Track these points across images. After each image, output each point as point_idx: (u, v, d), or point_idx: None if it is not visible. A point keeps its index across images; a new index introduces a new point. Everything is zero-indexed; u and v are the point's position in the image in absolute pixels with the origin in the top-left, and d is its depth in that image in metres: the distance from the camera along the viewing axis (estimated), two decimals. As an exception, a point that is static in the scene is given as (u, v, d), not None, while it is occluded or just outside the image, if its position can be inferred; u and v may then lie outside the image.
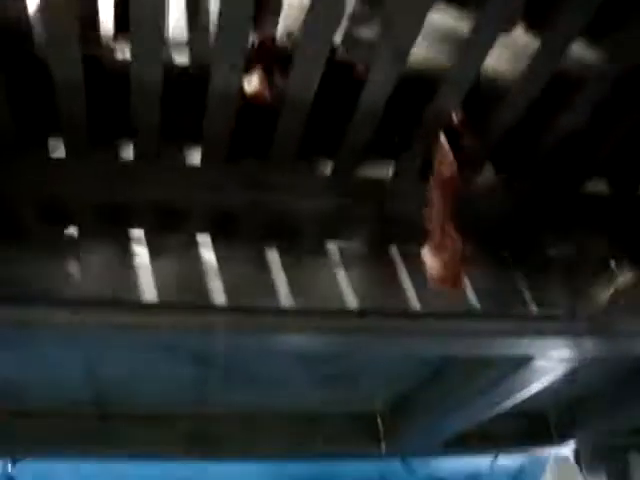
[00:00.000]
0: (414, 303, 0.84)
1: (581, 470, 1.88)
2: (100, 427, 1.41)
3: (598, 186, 0.90)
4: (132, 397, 1.36)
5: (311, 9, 0.61)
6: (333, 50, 0.82)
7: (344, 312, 0.83)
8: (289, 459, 1.78)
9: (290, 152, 0.77)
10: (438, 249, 0.79)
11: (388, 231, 0.89)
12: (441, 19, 0.70)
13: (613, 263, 0.93)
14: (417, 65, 0.73)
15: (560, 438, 1.61)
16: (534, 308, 0.88)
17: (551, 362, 0.96)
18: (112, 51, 0.77)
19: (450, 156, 0.77)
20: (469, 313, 0.86)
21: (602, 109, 0.76)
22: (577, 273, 0.93)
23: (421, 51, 0.72)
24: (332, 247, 0.87)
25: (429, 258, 0.80)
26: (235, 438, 1.45)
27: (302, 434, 1.49)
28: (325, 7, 0.61)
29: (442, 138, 0.77)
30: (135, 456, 1.54)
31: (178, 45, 0.83)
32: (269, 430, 1.47)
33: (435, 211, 0.78)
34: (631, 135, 0.81)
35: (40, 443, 1.40)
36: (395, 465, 2.37)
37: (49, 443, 1.40)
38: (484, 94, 0.75)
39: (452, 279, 0.80)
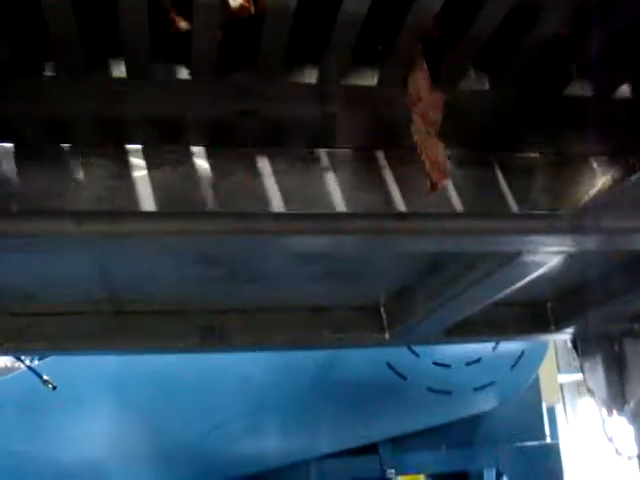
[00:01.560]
0: (400, 205, 0.88)
1: (579, 356, 1.94)
2: (116, 322, 1.48)
3: (579, 89, 0.91)
4: (146, 294, 1.41)
5: None
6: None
7: (334, 214, 0.86)
8: (295, 349, 1.85)
9: (276, 62, 0.79)
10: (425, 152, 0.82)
11: (375, 137, 0.91)
12: None
13: (595, 163, 0.96)
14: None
15: (558, 326, 1.67)
16: (517, 208, 0.91)
17: (539, 256, 1.00)
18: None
19: (425, 72, 0.79)
20: (453, 213, 0.89)
21: (582, 13, 0.77)
22: (560, 174, 0.95)
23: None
24: (321, 153, 0.90)
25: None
26: (243, 331, 1.52)
27: (307, 325, 1.55)
28: None
29: (418, 54, 0.79)
30: (151, 348, 1.63)
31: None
32: (276, 323, 1.54)
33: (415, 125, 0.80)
34: (611, 39, 0.82)
35: (60, 340, 1.47)
36: (400, 352, 2.46)
37: (69, 339, 1.47)
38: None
39: (437, 180, 0.82)
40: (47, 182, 0.83)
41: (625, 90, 0.93)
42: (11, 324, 1.42)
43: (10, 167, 0.83)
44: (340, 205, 0.87)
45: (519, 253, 0.98)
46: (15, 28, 0.74)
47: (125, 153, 0.86)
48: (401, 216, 0.89)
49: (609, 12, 0.78)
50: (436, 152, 0.79)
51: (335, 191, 0.87)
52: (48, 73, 0.80)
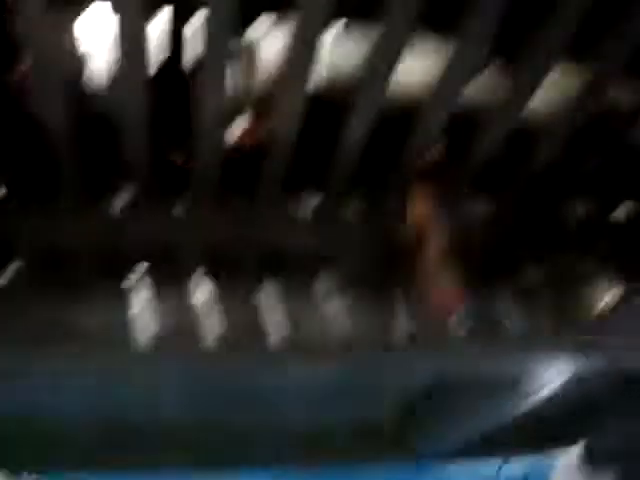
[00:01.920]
0: (402, 334, 0.86)
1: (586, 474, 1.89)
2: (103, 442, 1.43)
3: (580, 208, 0.91)
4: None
5: (289, 54, 0.64)
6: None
7: (333, 345, 0.85)
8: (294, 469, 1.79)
9: (277, 189, 0.80)
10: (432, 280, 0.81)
11: (374, 266, 0.91)
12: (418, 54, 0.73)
13: (599, 281, 0.95)
14: (396, 100, 0.75)
15: (566, 443, 1.63)
16: (520, 330, 0.90)
17: (542, 379, 0.98)
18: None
19: (426, 198, 0.79)
20: (456, 336, 0.88)
21: (578, 139, 0.78)
22: (563, 294, 0.95)
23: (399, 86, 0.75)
24: (321, 280, 0.89)
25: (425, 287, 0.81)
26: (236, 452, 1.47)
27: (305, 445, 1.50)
28: (301, 51, 0.63)
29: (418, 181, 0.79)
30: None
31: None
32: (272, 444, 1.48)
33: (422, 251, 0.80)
34: (609, 159, 0.83)
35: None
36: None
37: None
38: (463, 125, 0.77)
39: (448, 306, 0.81)
40: (45, 312, 0.81)
41: (625, 210, 0.93)
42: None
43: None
44: (339, 335, 0.85)
45: (523, 374, 0.97)
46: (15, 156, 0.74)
47: (124, 284, 0.85)
48: (404, 344, 0.87)
49: (605, 136, 0.80)
50: (445, 280, 0.79)
51: (334, 321, 0.86)
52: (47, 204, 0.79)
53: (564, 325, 0.92)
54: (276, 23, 0.75)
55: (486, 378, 1.05)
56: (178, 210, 0.81)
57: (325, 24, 0.62)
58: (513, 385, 1.01)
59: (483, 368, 0.95)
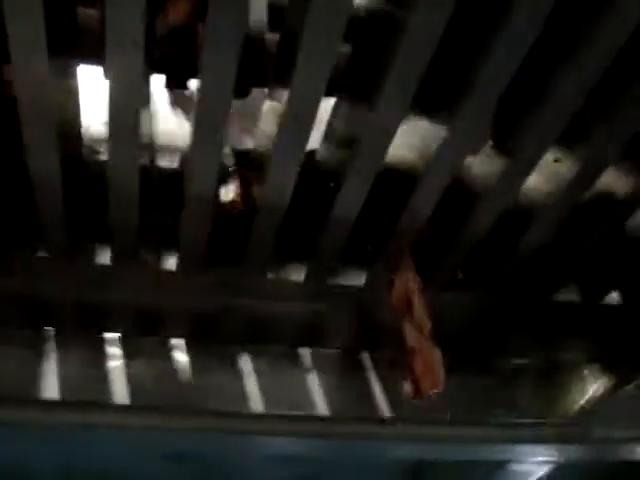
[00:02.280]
0: (385, 410, 0.85)
1: None
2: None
3: (568, 294, 0.90)
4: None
5: (283, 122, 0.63)
6: (310, 154, 0.84)
7: (313, 417, 0.83)
8: None
9: (264, 257, 0.78)
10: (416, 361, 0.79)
11: (360, 338, 0.90)
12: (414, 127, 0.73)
13: (586, 371, 0.94)
14: (391, 170, 0.75)
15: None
16: (505, 416, 0.88)
17: (527, 466, 0.96)
18: (94, 152, 0.80)
19: (413, 277, 0.78)
20: (438, 420, 0.86)
21: (568, 224, 0.78)
22: (549, 381, 0.94)
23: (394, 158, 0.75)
24: (304, 352, 0.88)
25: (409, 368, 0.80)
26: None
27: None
28: (296, 119, 0.62)
29: (407, 258, 0.78)
30: None
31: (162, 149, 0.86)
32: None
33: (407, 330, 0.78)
34: (599, 246, 0.82)
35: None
36: None
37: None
38: (455, 204, 0.77)
39: (429, 390, 0.79)
40: (17, 368, 0.80)
41: (615, 297, 0.92)
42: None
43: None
44: (322, 407, 0.84)
45: (506, 462, 0.94)
46: (6, 204, 0.73)
47: (102, 341, 0.84)
48: (384, 421, 0.85)
49: (597, 219, 0.79)
50: (431, 359, 0.77)
51: (318, 392, 0.85)
52: (33, 253, 0.78)
53: (549, 414, 0.90)
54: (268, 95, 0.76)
55: (468, 466, 1.03)
56: (163, 270, 0.80)
57: (317, 100, 0.61)
58: (495, 473, 0.99)
59: (465, 455, 0.93)
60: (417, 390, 0.77)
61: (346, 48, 0.71)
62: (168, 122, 0.89)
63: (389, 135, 0.65)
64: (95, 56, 0.65)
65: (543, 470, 0.99)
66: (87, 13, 0.68)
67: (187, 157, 0.67)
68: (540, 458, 0.94)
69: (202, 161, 0.66)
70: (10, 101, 0.64)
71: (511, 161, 0.70)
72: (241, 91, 0.88)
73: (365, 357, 0.90)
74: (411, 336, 0.78)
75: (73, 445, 0.87)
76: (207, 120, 0.62)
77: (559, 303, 0.90)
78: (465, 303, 0.89)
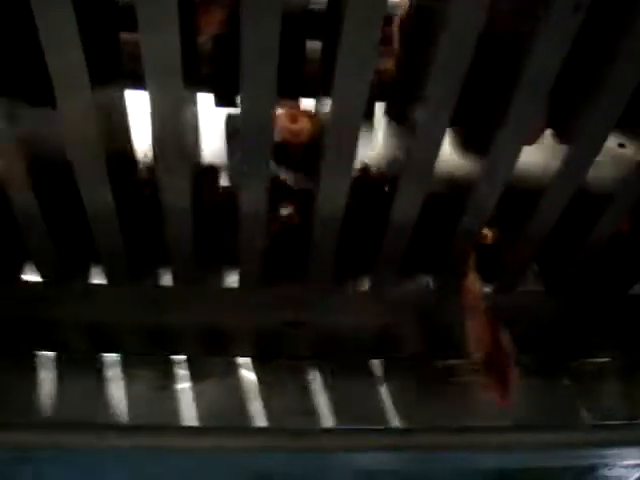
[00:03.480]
0: (462, 418, 0.82)
1: None
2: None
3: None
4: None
5: (331, 128, 0.61)
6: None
7: (393, 430, 0.81)
8: None
9: (325, 270, 0.77)
10: (488, 364, 0.76)
11: (432, 345, 0.87)
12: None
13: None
14: (447, 174, 0.73)
15: None
16: (590, 418, 0.84)
17: (617, 470, 0.92)
18: (147, 176, 0.80)
19: (477, 282, 0.75)
20: (520, 426, 0.83)
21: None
22: (634, 380, 0.89)
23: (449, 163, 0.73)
24: (374, 363, 0.86)
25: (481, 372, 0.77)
26: None
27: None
28: (343, 124, 0.61)
29: (471, 262, 0.76)
30: None
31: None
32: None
33: (474, 336, 0.76)
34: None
35: None
36: None
37: None
38: (518, 198, 0.74)
39: (503, 392, 0.77)
40: (87, 393, 0.81)
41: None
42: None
43: (49, 376, 0.81)
44: (395, 420, 0.81)
45: (594, 467, 0.90)
46: (62, 233, 0.73)
47: (169, 363, 0.84)
48: (463, 430, 0.82)
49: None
50: (504, 362, 0.74)
51: (390, 404, 0.83)
52: (95, 280, 0.78)
53: (637, 415, 0.86)
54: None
55: (554, 472, 0.99)
56: (224, 288, 0.79)
57: (360, 108, 0.59)
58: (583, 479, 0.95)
59: (550, 461, 0.89)
60: (498, 395, 0.75)
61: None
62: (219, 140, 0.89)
63: (442, 134, 0.62)
64: (140, 81, 0.65)
65: (634, 474, 0.94)
66: (130, 38, 0.68)
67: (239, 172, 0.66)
68: (630, 461, 0.90)
69: (252, 178, 0.65)
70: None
71: (573, 149, 0.66)
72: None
73: (439, 365, 0.87)
74: (480, 341, 0.75)
75: (146, 469, 0.88)
76: (252, 134, 0.60)
77: (637, 297, 0.86)
78: (538, 302, 0.85)
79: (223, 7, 0.65)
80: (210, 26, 0.66)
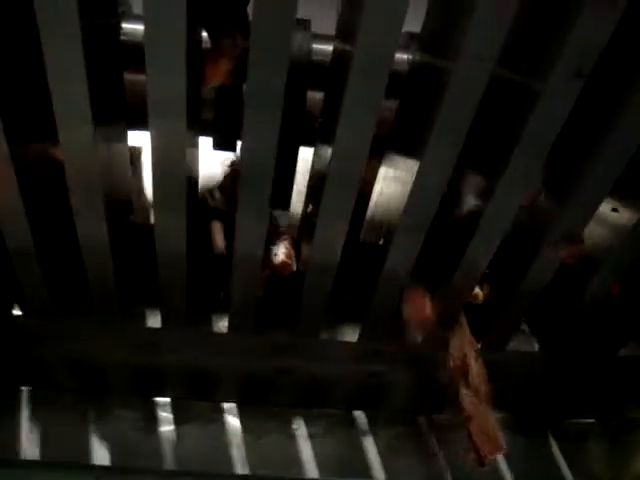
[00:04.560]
0: (445, 475, 0.81)
1: None
2: None
3: (635, 349, 0.86)
4: None
5: (329, 180, 0.62)
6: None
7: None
8: None
9: (316, 318, 0.76)
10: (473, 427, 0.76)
11: (419, 400, 0.87)
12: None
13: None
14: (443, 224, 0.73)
15: None
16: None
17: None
18: (143, 216, 0.80)
19: (469, 339, 0.75)
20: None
21: (633, 275, 0.74)
22: (620, 442, 0.89)
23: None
24: (360, 415, 0.85)
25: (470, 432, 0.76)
26: None
27: None
28: (342, 177, 0.61)
29: (462, 318, 0.76)
30: None
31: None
32: None
33: (463, 394, 0.75)
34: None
35: None
36: None
37: None
38: (510, 258, 0.74)
39: (490, 454, 0.76)
40: (68, 431, 0.80)
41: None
42: None
43: (33, 413, 0.81)
44: (380, 473, 0.81)
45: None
46: (54, 269, 0.73)
47: (154, 405, 0.83)
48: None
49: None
50: (487, 423, 0.73)
51: (374, 457, 0.82)
52: (84, 318, 0.78)
53: (619, 473, 0.85)
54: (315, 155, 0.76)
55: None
56: (214, 332, 0.79)
57: (362, 158, 0.60)
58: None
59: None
60: (478, 456, 0.74)
61: (392, 103, 0.70)
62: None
63: (438, 189, 0.63)
64: (143, 121, 0.66)
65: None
66: (134, 78, 0.69)
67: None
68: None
69: (249, 223, 0.65)
70: (59, 167, 0.66)
71: (567, 211, 0.67)
72: (289, 151, 0.88)
73: (424, 420, 0.87)
74: (468, 401, 0.75)
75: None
76: (251, 181, 0.61)
77: (626, 358, 0.86)
78: (526, 361, 0.85)
79: (230, 59, 0.66)
80: (216, 77, 0.67)
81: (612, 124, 0.59)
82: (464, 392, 0.74)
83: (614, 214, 0.71)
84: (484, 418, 0.74)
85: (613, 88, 0.59)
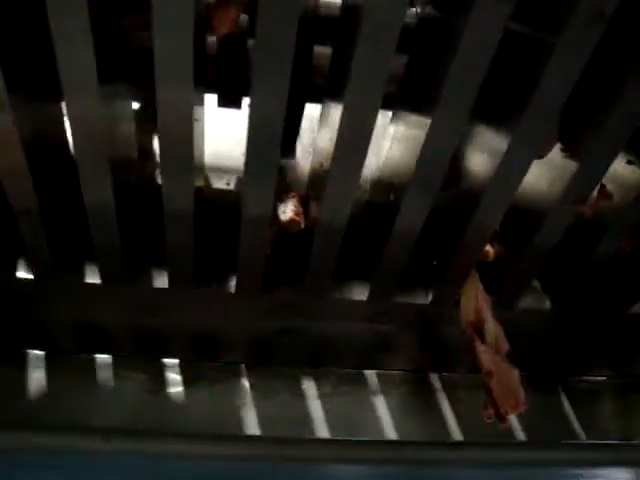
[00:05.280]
0: (456, 433, 0.81)
1: None
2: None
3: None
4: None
5: (339, 137, 0.60)
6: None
7: (381, 442, 0.80)
8: None
9: (325, 277, 0.75)
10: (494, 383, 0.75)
11: (428, 358, 0.87)
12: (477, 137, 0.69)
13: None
14: (450, 193, 0.72)
15: None
16: (583, 437, 0.84)
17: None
18: (150, 176, 0.79)
19: (482, 295, 0.75)
20: (515, 443, 0.82)
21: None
22: (630, 399, 0.89)
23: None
24: (370, 374, 0.85)
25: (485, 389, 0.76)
26: None
27: None
28: (352, 134, 0.59)
29: (474, 274, 0.75)
30: None
31: (215, 170, 0.84)
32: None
33: (482, 351, 0.74)
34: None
35: None
36: None
37: None
38: (522, 215, 0.73)
39: (505, 413, 0.75)
40: (77, 394, 0.80)
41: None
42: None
43: (40, 375, 0.80)
44: (390, 432, 0.81)
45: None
46: (58, 229, 0.72)
47: (161, 367, 0.83)
48: (457, 445, 0.82)
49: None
50: (510, 380, 0.73)
51: (385, 416, 0.82)
52: (89, 279, 0.77)
53: (630, 435, 0.85)
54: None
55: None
56: (222, 292, 0.78)
57: (373, 114, 0.58)
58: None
59: (541, 478, 0.89)
60: (497, 413, 0.73)
61: (402, 59, 0.68)
62: (224, 142, 0.88)
63: (449, 146, 0.61)
64: (147, 80, 0.64)
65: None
66: (140, 36, 0.67)
67: (242, 178, 0.65)
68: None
69: (257, 181, 0.64)
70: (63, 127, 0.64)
71: (580, 166, 0.65)
72: (295, 108, 0.86)
73: (434, 378, 0.86)
74: (486, 358, 0.74)
75: (134, 475, 0.87)
76: (260, 139, 0.59)
77: (637, 316, 0.85)
78: (537, 319, 0.84)
79: (239, 6, 0.64)
80: (224, 24, 0.65)
81: (628, 75, 0.57)
82: (482, 348, 0.74)
83: (627, 170, 0.70)
84: (506, 374, 0.73)
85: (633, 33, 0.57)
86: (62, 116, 0.65)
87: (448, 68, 0.55)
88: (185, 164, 0.62)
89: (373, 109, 0.57)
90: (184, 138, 0.60)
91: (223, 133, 0.87)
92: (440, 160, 0.63)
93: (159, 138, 0.59)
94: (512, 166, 0.64)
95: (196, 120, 0.61)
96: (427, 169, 0.64)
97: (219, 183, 0.83)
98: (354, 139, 0.60)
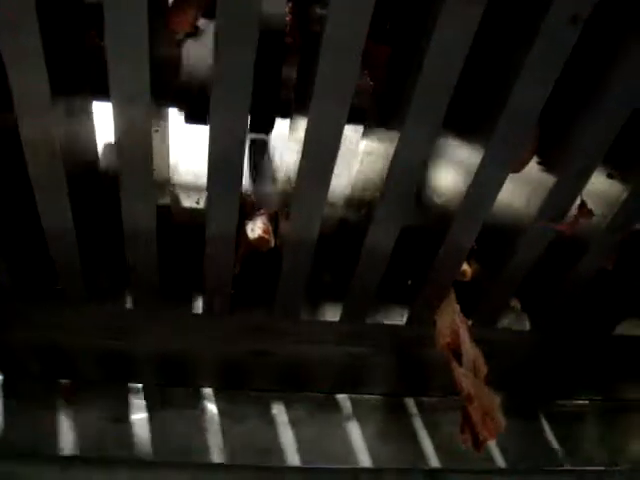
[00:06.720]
0: (433, 460, 0.79)
1: None
2: None
3: (630, 327, 0.83)
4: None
5: (305, 153, 0.58)
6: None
7: (356, 469, 0.77)
8: None
9: (295, 297, 0.73)
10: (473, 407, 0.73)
11: (404, 381, 0.84)
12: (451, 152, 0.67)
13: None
14: (425, 210, 0.70)
15: None
16: (566, 463, 0.81)
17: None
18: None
19: (459, 316, 0.72)
20: (496, 470, 0.79)
21: (627, 249, 0.71)
22: (614, 423, 0.86)
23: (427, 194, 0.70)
24: (343, 399, 0.82)
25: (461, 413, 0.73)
26: None
27: None
28: (319, 151, 0.57)
29: (450, 293, 0.72)
30: None
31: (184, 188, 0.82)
32: None
33: (460, 374, 0.72)
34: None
35: None
36: None
37: None
38: (499, 232, 0.71)
39: (481, 438, 0.73)
40: (36, 421, 0.77)
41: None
42: None
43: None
44: (365, 459, 0.78)
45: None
46: (17, 252, 0.69)
47: (126, 392, 0.80)
48: (434, 473, 0.79)
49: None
50: (490, 405, 0.70)
51: (359, 443, 0.79)
52: (50, 301, 0.74)
53: (615, 461, 0.83)
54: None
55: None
56: (189, 314, 0.75)
57: (339, 128, 0.56)
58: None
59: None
60: (475, 439, 0.71)
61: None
62: (194, 160, 0.86)
63: (420, 161, 0.59)
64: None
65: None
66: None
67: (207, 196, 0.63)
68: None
69: (221, 199, 0.61)
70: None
71: (558, 180, 0.63)
72: (263, 124, 0.84)
73: (410, 402, 0.84)
74: (465, 381, 0.71)
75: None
76: (221, 157, 0.57)
77: (621, 338, 0.83)
78: (517, 339, 0.82)
79: (198, 7, 0.63)
80: (181, 24, 0.64)
81: (605, 85, 0.55)
82: (461, 371, 0.71)
83: (607, 184, 0.68)
84: (487, 399, 0.71)
85: (609, 41, 0.55)
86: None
87: (416, 80, 0.53)
88: (145, 179, 0.60)
89: (339, 123, 0.55)
90: (142, 150, 0.57)
91: (193, 151, 0.85)
92: (410, 175, 0.60)
93: (118, 156, 0.57)
94: (486, 181, 0.62)
95: (156, 131, 0.58)
96: (397, 184, 0.61)
97: (188, 201, 0.81)
98: (320, 154, 0.58)
